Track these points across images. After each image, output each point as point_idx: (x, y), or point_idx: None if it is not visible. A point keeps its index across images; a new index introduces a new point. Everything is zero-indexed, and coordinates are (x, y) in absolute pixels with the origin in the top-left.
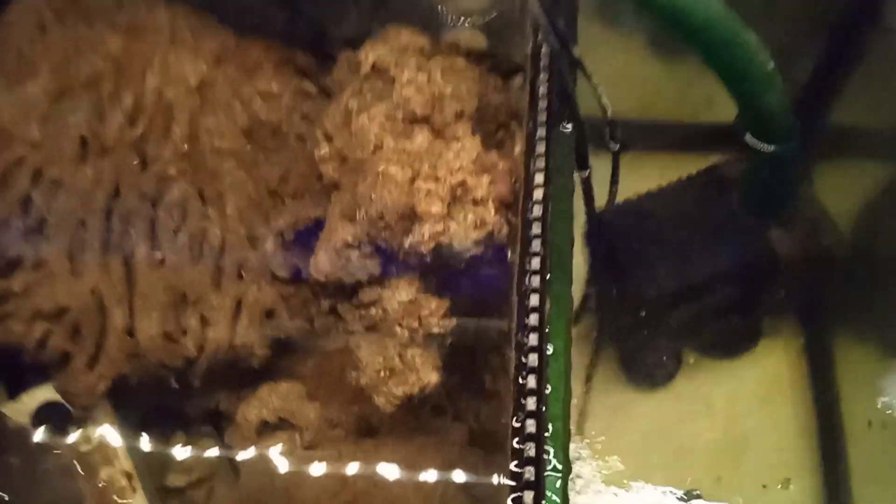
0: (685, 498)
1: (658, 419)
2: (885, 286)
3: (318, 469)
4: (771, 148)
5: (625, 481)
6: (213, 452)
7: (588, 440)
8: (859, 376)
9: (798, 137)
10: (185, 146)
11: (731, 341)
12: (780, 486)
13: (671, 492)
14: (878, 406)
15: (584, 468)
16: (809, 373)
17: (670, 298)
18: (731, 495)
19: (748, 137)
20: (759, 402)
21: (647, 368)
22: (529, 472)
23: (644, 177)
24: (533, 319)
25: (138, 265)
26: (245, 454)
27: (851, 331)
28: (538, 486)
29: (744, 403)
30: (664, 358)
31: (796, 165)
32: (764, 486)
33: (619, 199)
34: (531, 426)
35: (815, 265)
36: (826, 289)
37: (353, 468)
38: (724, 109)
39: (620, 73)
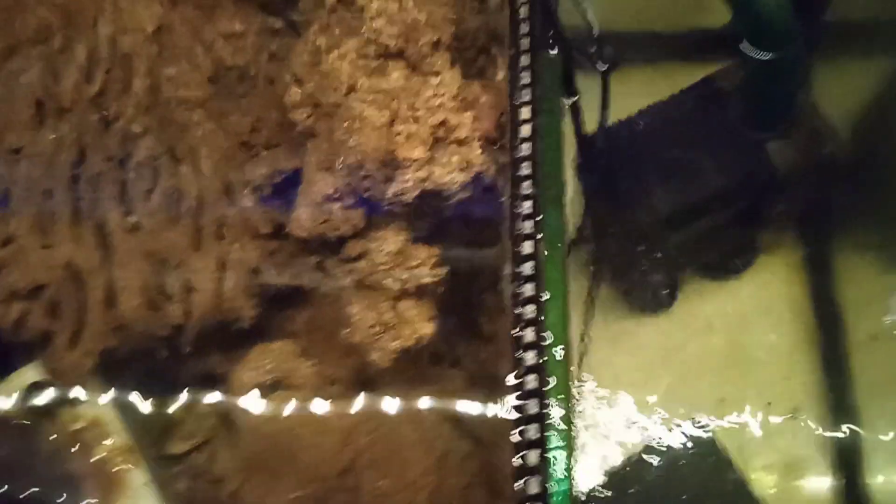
0: (689, 424)
1: (659, 345)
2: (889, 191)
3: (318, 427)
4: (768, 55)
5: (629, 409)
6: (212, 416)
7: (591, 372)
8: (863, 289)
9: (798, 41)
10: (148, 99)
11: (729, 260)
12: (785, 407)
13: (675, 421)
14: (887, 319)
15: (588, 400)
16: (810, 288)
17: (668, 222)
18: (735, 415)
19: (743, 45)
20: (760, 319)
21: (646, 295)
22: (533, 430)
23: (634, 93)
24: (527, 268)
25: (113, 232)
26: (244, 416)
27: (853, 242)
28: (542, 443)
29: (744, 323)
30: (663, 283)
31: (796, 72)
32: (769, 404)
33: (610, 119)
34: (532, 381)
35: (815, 175)
36: (827, 199)
37: (352, 423)
38: (715, 14)
39: None
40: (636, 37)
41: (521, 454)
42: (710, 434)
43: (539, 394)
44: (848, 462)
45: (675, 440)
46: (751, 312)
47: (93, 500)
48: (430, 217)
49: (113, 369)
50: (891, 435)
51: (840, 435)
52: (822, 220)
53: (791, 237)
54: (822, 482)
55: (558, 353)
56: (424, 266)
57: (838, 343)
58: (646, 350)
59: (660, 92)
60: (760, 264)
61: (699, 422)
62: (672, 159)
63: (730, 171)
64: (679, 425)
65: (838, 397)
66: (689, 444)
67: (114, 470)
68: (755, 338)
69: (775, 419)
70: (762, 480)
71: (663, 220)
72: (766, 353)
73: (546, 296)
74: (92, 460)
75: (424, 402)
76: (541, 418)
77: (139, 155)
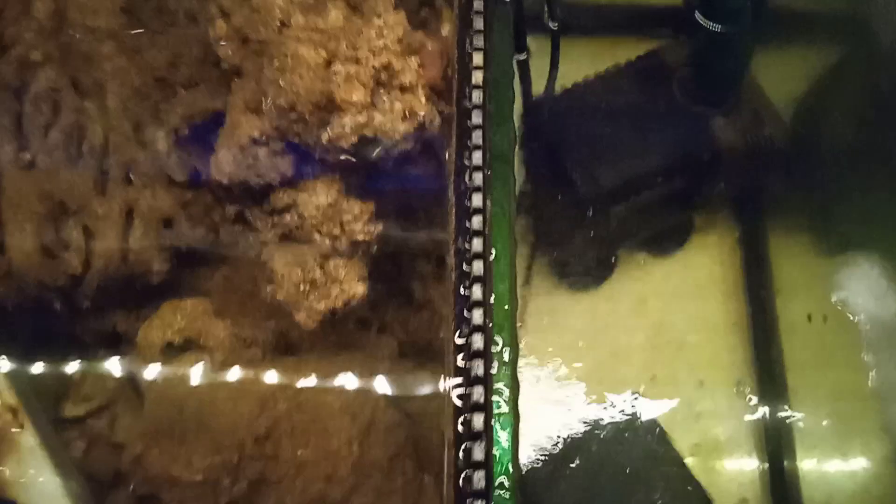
0: (624, 400)
1: (593, 320)
2: (824, 177)
3: (233, 393)
4: (719, 28)
5: (561, 384)
6: (113, 378)
7: (525, 344)
8: (797, 270)
9: (746, 17)
10: (51, 25)
11: (665, 238)
12: (716, 386)
13: (608, 397)
14: (821, 301)
15: (524, 373)
16: (744, 268)
17: (608, 195)
18: (667, 393)
19: (697, 15)
20: (692, 298)
21: (582, 268)
22: (478, 393)
23: (579, 64)
24: (476, 223)
25: (4, 169)
26: (149, 378)
27: (789, 224)
28: (488, 407)
29: (677, 301)
30: (599, 257)
31: (743, 47)
32: (700, 383)
33: (556, 86)
34: (478, 342)
35: (755, 155)
36: (765, 181)
37: (272, 390)
38: None
39: None
40: (580, 9)
41: (463, 418)
42: (643, 410)
43: (485, 354)
44: (778, 442)
45: (608, 416)
46: (684, 291)
47: None
48: (366, 169)
49: (0, 321)
50: (821, 415)
51: (771, 415)
52: (758, 202)
53: (727, 217)
54: (751, 462)
55: (503, 311)
56: (357, 221)
57: (770, 324)
58: (579, 324)
59: (603, 64)
60: (696, 243)
61: (633, 398)
62: (615, 131)
63: (671, 147)
64: (612, 402)
65: (770, 377)
66: (625, 421)
67: None
68: (688, 316)
69: (706, 397)
70: (692, 459)
71: (602, 193)
72: (699, 333)
73: (493, 253)
74: None
75: (350, 369)
76: (486, 381)
77: (38, 86)
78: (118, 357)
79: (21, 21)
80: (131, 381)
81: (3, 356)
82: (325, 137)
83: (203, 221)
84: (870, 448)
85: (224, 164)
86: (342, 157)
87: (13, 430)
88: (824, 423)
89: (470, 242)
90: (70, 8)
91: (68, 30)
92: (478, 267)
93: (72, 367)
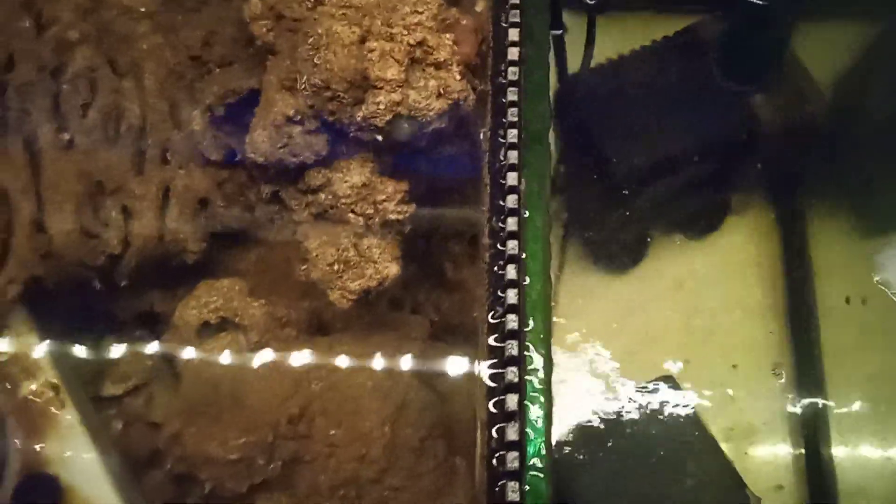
0: (657, 383)
1: (627, 302)
2: (865, 156)
3: (267, 372)
4: (760, 1)
5: (595, 367)
6: (150, 357)
7: (558, 325)
8: (836, 252)
9: None
10: (88, 4)
11: (700, 219)
12: (750, 369)
13: (642, 380)
14: (861, 282)
15: (557, 355)
16: (781, 249)
17: (643, 175)
18: (701, 376)
19: None
20: (728, 281)
21: (615, 249)
22: (512, 373)
23: (615, 40)
24: (511, 201)
25: (44, 149)
26: (186, 358)
27: (828, 204)
28: (522, 387)
29: (712, 283)
30: (633, 238)
31: (785, 22)
32: (734, 367)
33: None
34: (512, 321)
35: (795, 134)
36: (804, 160)
37: (306, 369)
38: None
39: None
40: None
41: (496, 399)
42: (677, 394)
43: (519, 334)
44: (814, 427)
45: (642, 399)
46: (720, 273)
47: (16, 440)
48: (400, 147)
49: (40, 300)
50: (858, 400)
51: (807, 400)
52: (797, 182)
53: (764, 197)
54: (786, 447)
55: (537, 291)
56: (391, 201)
57: (808, 307)
58: (613, 305)
59: (640, 41)
60: (732, 224)
61: (667, 381)
62: (651, 108)
63: (708, 126)
64: (646, 385)
65: (807, 361)
66: (658, 404)
67: (40, 409)
68: (724, 299)
69: (741, 381)
70: (726, 444)
71: (637, 172)
72: (735, 316)
73: (528, 233)
74: (18, 399)
75: (382, 349)
76: (520, 361)
77: (75, 66)
78: (155, 336)
79: (59, 1)
80: (168, 361)
81: (45, 335)
82: (359, 115)
83: (238, 201)
84: None
85: (259, 142)
86: (377, 136)
87: (54, 408)
88: (861, 407)
89: (504, 221)
90: None
91: (105, 9)
92: (512, 246)
93: (110, 346)
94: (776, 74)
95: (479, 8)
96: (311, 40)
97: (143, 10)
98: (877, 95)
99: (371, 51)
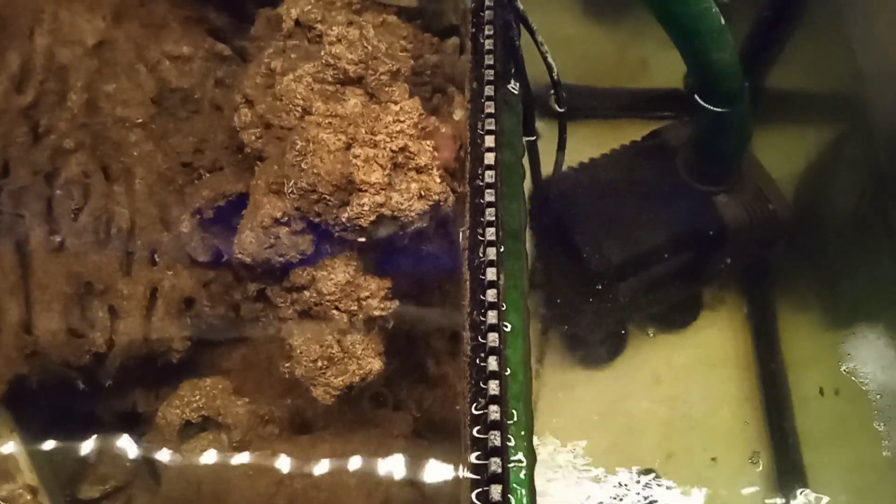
0: (641, 476)
1: (607, 396)
2: (829, 250)
3: (249, 471)
4: (718, 109)
5: (577, 462)
6: (131, 458)
7: (539, 418)
8: (807, 343)
9: (747, 99)
10: (84, 115)
11: (674, 313)
12: (730, 462)
13: (625, 472)
14: (831, 373)
15: (539, 449)
16: (754, 342)
17: (617, 271)
18: (682, 470)
19: (697, 98)
20: (704, 374)
21: (593, 344)
22: (496, 464)
23: (585, 144)
24: (490, 295)
25: (34, 251)
26: (167, 458)
27: (796, 297)
28: (505, 478)
29: (690, 376)
30: (610, 333)
31: (744, 127)
32: (713, 460)
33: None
34: (494, 413)
35: (760, 231)
36: (770, 256)
37: (288, 467)
38: (660, 73)
39: (555, 37)
40: (585, 93)
41: (480, 490)
42: (659, 489)
43: (501, 425)
44: None
45: (623, 494)
46: (696, 366)
47: None
48: (383, 246)
49: (23, 400)
50: (839, 489)
51: (787, 491)
52: (765, 277)
53: (735, 292)
54: None
55: (518, 382)
56: (374, 298)
57: (782, 398)
58: (594, 399)
59: (609, 145)
60: (705, 318)
61: (649, 476)
62: (622, 208)
63: (677, 224)
64: (628, 480)
65: (785, 452)
66: (640, 501)
67: None
68: (701, 391)
69: (721, 474)
70: None
71: (611, 268)
72: (713, 407)
73: (508, 327)
74: None
75: (365, 447)
76: (503, 452)
77: (69, 171)
78: (136, 437)
79: (55, 111)
80: (148, 462)
81: (26, 436)
82: (344, 216)
83: (223, 300)
84: None
85: (247, 243)
86: (361, 236)
87: None
88: (842, 497)
89: (485, 315)
90: (102, 99)
91: (100, 119)
92: (493, 338)
93: (90, 446)
94: (738, 175)
95: (457, 117)
96: (298, 147)
97: (137, 119)
98: (835, 193)
99: (356, 156)
